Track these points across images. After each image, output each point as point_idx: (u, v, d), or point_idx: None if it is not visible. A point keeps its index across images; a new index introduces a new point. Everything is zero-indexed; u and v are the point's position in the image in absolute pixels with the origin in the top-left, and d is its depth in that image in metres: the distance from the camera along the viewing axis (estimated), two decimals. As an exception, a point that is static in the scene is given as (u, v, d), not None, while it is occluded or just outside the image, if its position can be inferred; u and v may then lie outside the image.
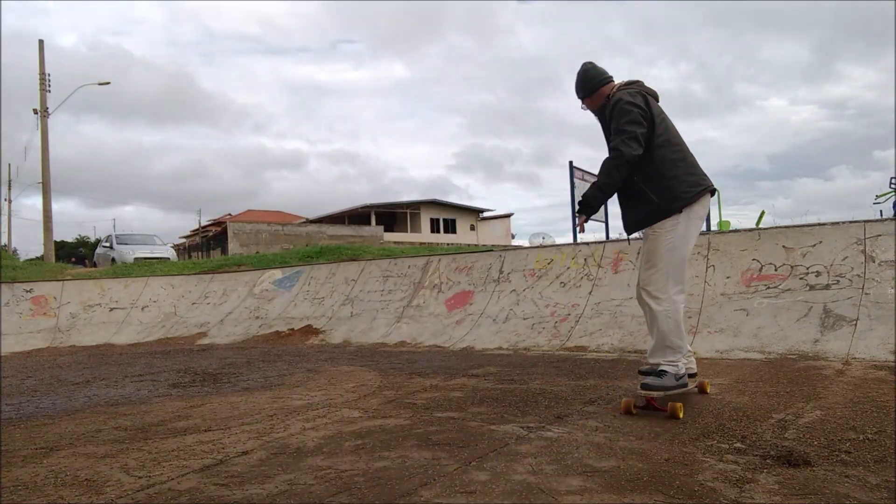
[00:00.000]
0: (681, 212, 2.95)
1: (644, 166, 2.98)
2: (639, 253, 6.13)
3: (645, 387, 2.88)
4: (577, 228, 3.44)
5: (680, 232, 2.96)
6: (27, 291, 9.59)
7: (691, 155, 3.11)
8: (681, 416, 2.76)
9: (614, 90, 3.09)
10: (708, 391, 3.28)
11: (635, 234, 3.22)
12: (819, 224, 5.26)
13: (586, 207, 3.06)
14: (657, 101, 3.16)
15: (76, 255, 25.55)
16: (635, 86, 3.10)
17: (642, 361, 4.50)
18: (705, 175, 3.11)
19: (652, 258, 2.99)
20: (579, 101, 3.26)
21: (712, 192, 3.12)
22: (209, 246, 40.05)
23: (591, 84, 3.16)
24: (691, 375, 3.15)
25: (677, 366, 2.95)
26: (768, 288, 5.04)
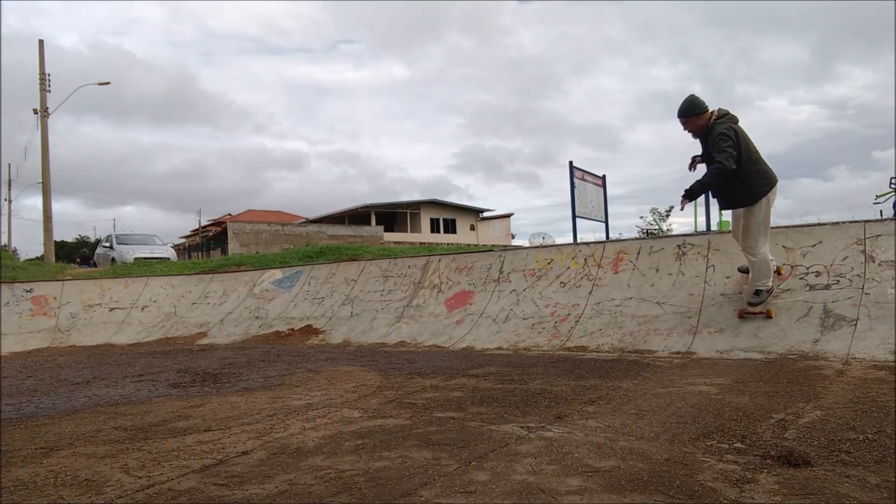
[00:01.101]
0: (757, 202, 4.53)
1: (734, 174, 4.48)
2: (638, 253, 6.16)
3: (751, 304, 4.79)
4: (680, 208, 4.72)
5: (763, 214, 4.57)
6: (27, 291, 9.59)
7: (764, 163, 4.62)
8: (773, 316, 4.73)
9: (712, 118, 4.58)
10: (782, 273, 5.05)
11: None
12: (819, 224, 5.26)
13: (690, 195, 4.58)
14: (737, 123, 4.64)
15: (82, 255, 25.48)
16: (728, 118, 4.57)
17: (642, 361, 4.51)
18: (773, 174, 4.63)
19: (747, 231, 4.63)
20: (679, 121, 4.68)
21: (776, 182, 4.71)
22: (209, 246, 40.05)
23: (698, 109, 4.60)
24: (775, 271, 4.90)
25: (768, 284, 4.72)
26: (768, 288, 5.04)
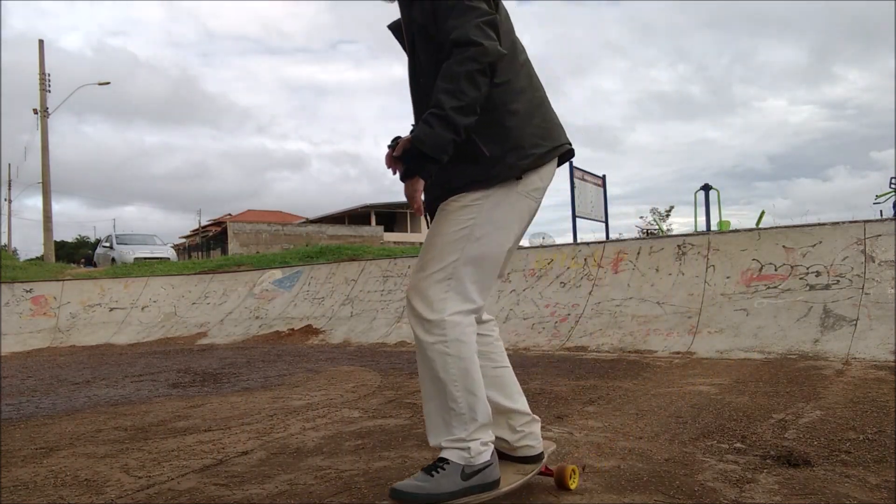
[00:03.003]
0: (520, 178, 1.69)
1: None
2: (638, 253, 6.15)
3: (395, 493, 1.54)
4: (414, 207, 1.68)
5: (487, 208, 1.67)
6: (27, 291, 9.59)
7: (543, 91, 1.83)
8: None
9: None
10: (573, 486, 1.84)
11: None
12: (819, 224, 5.26)
13: (421, 162, 1.56)
14: None
15: (85, 257, 25.48)
16: None
17: (642, 361, 4.50)
18: (562, 128, 1.83)
19: (432, 248, 1.69)
20: None
21: (569, 155, 1.87)
22: (209, 246, 40.04)
23: None
24: (526, 459, 1.79)
25: (469, 449, 1.60)
26: (768, 288, 5.04)
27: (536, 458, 1.80)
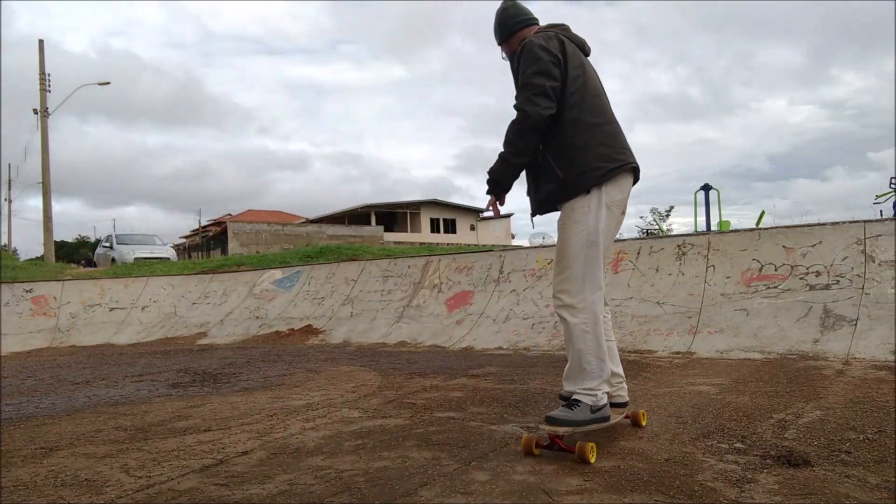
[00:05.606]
0: (589, 192, 2.36)
1: (550, 132, 2.39)
2: (638, 253, 6.14)
3: (550, 420, 2.25)
4: (492, 212, 2.62)
5: (592, 221, 2.37)
6: (27, 291, 9.59)
7: (614, 123, 2.50)
8: (592, 460, 2.13)
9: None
10: (643, 424, 2.62)
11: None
12: (819, 224, 5.26)
13: (495, 186, 2.50)
14: (586, 53, 2.55)
15: (86, 258, 25.47)
16: (555, 29, 2.49)
17: (642, 361, 4.50)
18: (628, 150, 2.48)
19: (564, 256, 2.42)
20: (500, 50, 2.66)
21: (635, 173, 2.53)
22: (209, 246, 40.06)
23: (508, 26, 2.58)
24: (619, 405, 2.55)
25: (596, 395, 2.33)
26: (768, 288, 5.04)
27: (625, 405, 2.60)
